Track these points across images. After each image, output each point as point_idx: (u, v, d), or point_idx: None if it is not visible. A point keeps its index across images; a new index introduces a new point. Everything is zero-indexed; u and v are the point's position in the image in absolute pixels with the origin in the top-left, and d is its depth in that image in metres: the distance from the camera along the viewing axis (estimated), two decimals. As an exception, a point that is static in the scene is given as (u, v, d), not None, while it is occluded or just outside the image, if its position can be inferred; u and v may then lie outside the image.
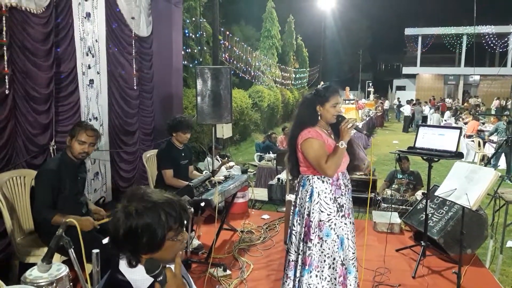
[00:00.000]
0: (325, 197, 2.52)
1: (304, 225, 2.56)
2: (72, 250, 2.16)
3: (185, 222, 1.36)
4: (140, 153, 5.06)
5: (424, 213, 3.97)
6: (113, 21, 4.68)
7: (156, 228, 1.28)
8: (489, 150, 9.80)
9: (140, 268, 1.32)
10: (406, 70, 34.39)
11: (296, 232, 2.64)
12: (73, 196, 3.00)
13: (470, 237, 3.87)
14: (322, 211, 2.50)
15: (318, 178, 2.55)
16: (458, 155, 3.59)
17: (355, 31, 37.76)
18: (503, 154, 8.37)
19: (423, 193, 5.25)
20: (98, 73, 4.48)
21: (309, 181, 2.58)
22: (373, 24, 40.73)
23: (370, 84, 23.88)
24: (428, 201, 3.89)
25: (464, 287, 3.35)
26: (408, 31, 33.14)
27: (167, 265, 1.32)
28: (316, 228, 2.49)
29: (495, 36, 29.68)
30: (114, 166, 4.94)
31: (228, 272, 3.57)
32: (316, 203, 2.51)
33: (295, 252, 2.64)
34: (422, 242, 3.87)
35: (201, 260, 3.77)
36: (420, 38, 32.63)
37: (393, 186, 5.94)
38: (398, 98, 26.44)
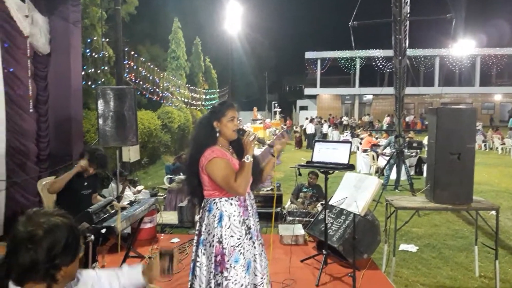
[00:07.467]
0: (234, 220, 2.37)
1: (215, 254, 2.33)
2: None
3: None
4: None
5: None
6: (7, 39, 4.35)
7: (76, 234, 1.36)
8: (383, 162, 10.76)
9: None
10: (307, 91, 36.78)
11: (201, 264, 2.38)
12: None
13: (365, 242, 4.21)
14: (232, 236, 2.35)
15: (226, 200, 2.39)
16: (350, 167, 3.93)
17: (261, 54, 39.53)
18: (395, 165, 9.27)
19: (321, 204, 5.61)
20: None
21: (216, 205, 2.39)
22: (277, 48, 43.31)
23: (276, 104, 25.05)
24: (327, 211, 4.18)
25: (360, 290, 3.62)
26: (308, 55, 35.55)
27: None
28: (230, 255, 2.32)
29: (383, 59, 33.15)
30: (12, 196, 4.49)
31: (135, 300, 3.42)
32: (228, 228, 2.35)
33: (200, 286, 2.37)
34: (323, 251, 4.13)
35: (105, 291, 3.56)
36: (318, 61, 35.16)
37: (299, 199, 6.25)
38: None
